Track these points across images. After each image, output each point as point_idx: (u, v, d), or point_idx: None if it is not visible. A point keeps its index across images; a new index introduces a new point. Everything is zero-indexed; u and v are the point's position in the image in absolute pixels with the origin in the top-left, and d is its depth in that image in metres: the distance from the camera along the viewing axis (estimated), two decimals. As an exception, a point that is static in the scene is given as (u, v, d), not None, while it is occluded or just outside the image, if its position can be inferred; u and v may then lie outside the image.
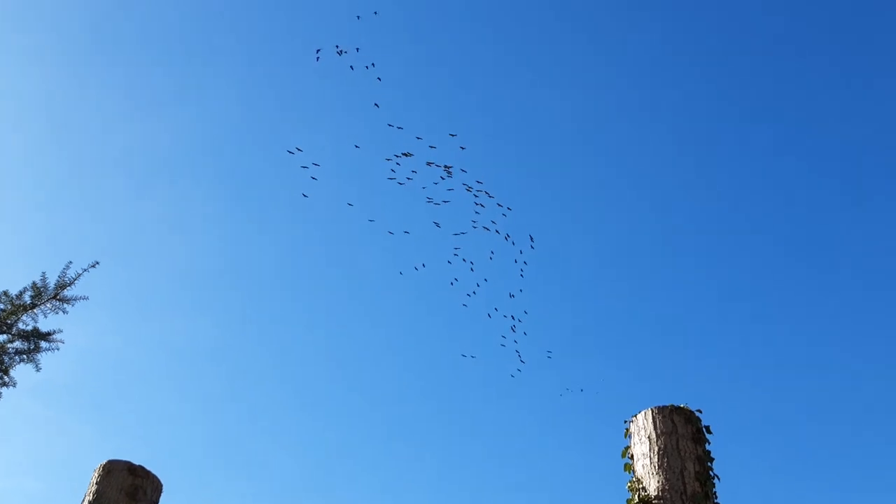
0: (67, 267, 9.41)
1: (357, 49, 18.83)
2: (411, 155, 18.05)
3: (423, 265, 22.44)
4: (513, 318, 20.92)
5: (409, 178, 18.44)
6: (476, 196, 18.36)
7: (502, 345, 21.32)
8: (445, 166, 17.95)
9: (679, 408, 4.99)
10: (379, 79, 18.85)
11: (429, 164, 18.52)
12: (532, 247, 21.13)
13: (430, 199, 17.99)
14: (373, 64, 18.85)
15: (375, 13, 20.20)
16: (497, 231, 20.32)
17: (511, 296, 20.81)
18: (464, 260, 20.71)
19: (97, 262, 9.43)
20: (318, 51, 19.40)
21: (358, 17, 19.81)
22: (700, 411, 5.03)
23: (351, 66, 18.95)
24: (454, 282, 20.65)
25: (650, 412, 5.01)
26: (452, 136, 18.43)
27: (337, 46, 18.99)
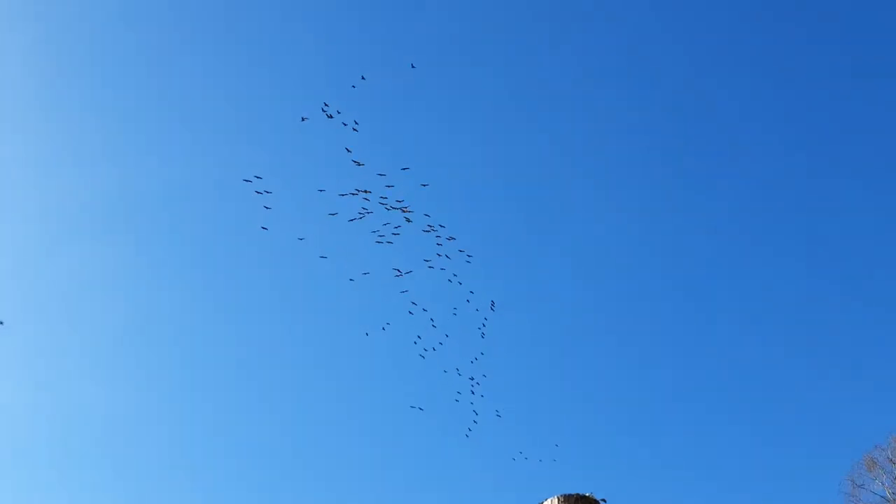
0: (-31, 326, 8.89)
1: (339, 111, 18.25)
2: (369, 192, 17.45)
3: (388, 324, 21.72)
4: (471, 380, 20.30)
5: (360, 216, 17.79)
6: (438, 236, 17.75)
7: (456, 400, 20.72)
8: (397, 201, 17.30)
9: (584, 496, 4.73)
10: (355, 129, 18.26)
11: (383, 199, 17.77)
12: (493, 310, 20.59)
13: (381, 238, 17.28)
14: (355, 121, 18.24)
15: (363, 78, 19.70)
16: (460, 283, 19.73)
17: (473, 360, 20.17)
18: (424, 310, 20.08)
19: (1, 322, 8.96)
20: (303, 118, 18.79)
21: (353, 86, 19.29)
22: (605, 500, 4.74)
23: (329, 115, 18.28)
24: (417, 340, 20.02)
25: (556, 500, 4.79)
26: (405, 169, 17.84)
27: (325, 104, 18.37)
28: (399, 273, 18.46)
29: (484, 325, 19.00)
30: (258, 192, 18.63)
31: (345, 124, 18.12)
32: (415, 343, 19.62)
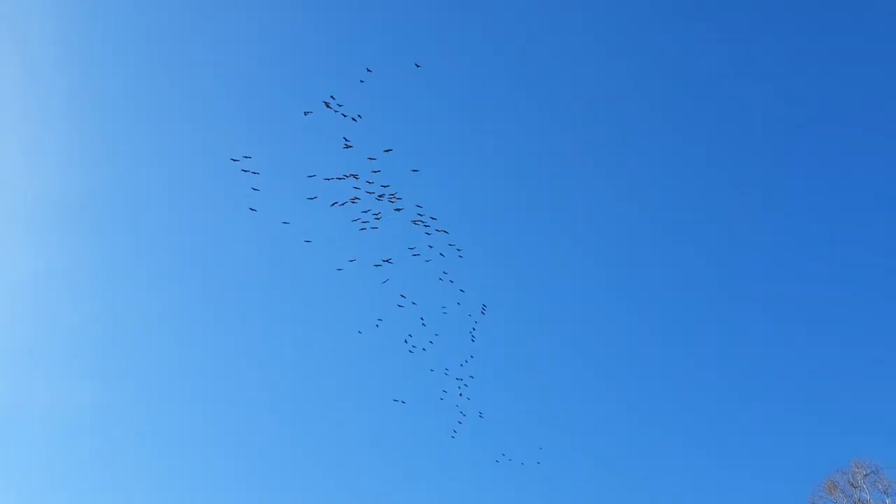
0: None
1: (340, 105, 17.91)
2: (357, 177, 17.04)
3: (381, 320, 21.41)
4: (459, 380, 20.02)
5: (345, 202, 17.39)
6: (427, 226, 17.30)
7: (441, 398, 20.48)
8: (382, 186, 16.86)
9: None
10: (355, 119, 17.90)
11: (369, 183, 17.35)
12: (483, 313, 20.32)
13: (365, 225, 16.87)
14: (359, 115, 17.88)
15: (369, 70, 19.39)
16: (451, 281, 19.40)
17: (462, 364, 19.91)
18: (413, 303, 19.73)
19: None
20: (306, 112, 18.41)
21: (361, 80, 19.00)
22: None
23: (336, 111, 17.84)
24: (408, 338, 19.72)
25: None
26: (388, 151, 17.39)
27: (332, 97, 17.98)
28: (380, 263, 18.09)
29: (474, 329, 18.67)
30: (244, 171, 18.12)
31: (344, 115, 17.68)
32: (405, 341, 19.26)
